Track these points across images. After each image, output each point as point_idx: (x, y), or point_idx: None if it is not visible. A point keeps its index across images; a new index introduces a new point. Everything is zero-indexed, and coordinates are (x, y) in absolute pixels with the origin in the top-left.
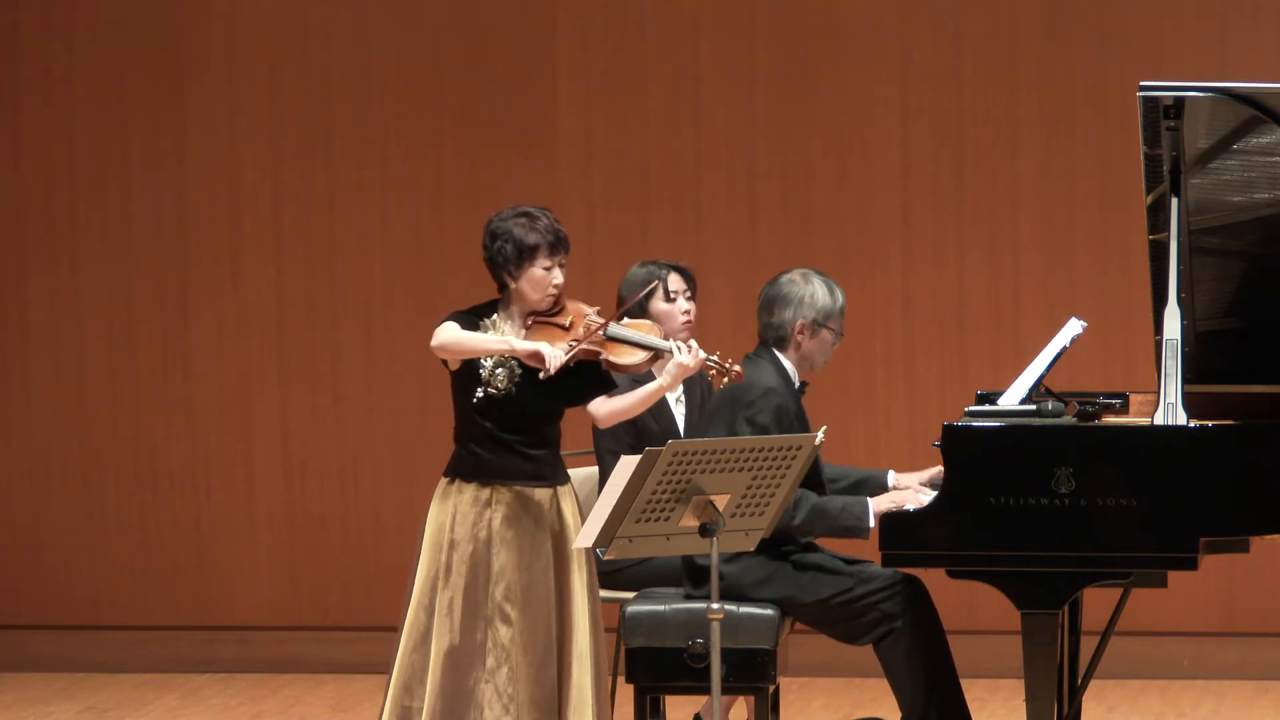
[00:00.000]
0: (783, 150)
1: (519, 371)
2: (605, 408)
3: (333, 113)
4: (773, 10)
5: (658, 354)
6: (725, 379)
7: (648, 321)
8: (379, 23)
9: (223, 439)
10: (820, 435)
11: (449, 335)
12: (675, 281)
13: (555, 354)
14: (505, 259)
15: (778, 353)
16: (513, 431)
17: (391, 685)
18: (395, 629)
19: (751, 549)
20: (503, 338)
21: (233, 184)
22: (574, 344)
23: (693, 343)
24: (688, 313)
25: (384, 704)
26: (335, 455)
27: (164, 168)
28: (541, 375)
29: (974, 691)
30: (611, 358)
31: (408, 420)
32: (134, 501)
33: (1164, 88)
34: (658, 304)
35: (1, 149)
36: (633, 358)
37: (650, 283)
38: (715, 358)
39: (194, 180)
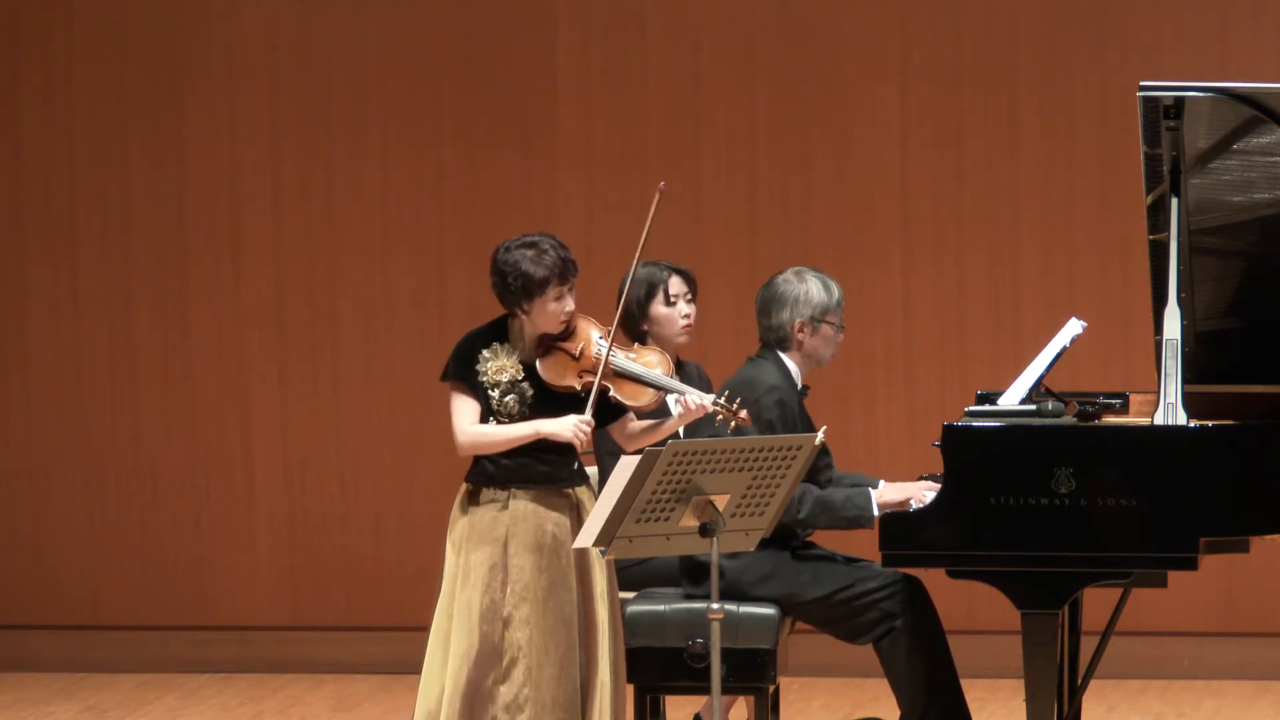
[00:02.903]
0: (783, 150)
1: (530, 394)
2: (620, 432)
3: (333, 113)
4: (773, 10)
5: (664, 391)
6: (731, 424)
7: (653, 352)
8: (379, 23)
9: (223, 439)
10: (820, 435)
11: (472, 439)
12: (676, 284)
13: (585, 436)
14: (515, 294)
15: (781, 354)
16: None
17: (419, 689)
18: (396, 629)
19: (751, 549)
20: (532, 427)
21: (233, 184)
22: (586, 378)
23: (699, 399)
24: (688, 316)
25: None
26: (335, 455)
27: (164, 168)
28: (575, 460)
29: (974, 691)
30: (620, 396)
31: (408, 420)
32: (134, 501)
33: (1164, 88)
34: (658, 307)
35: (1, 149)
36: (640, 399)
37: (652, 281)
38: (722, 401)
39: (194, 180)
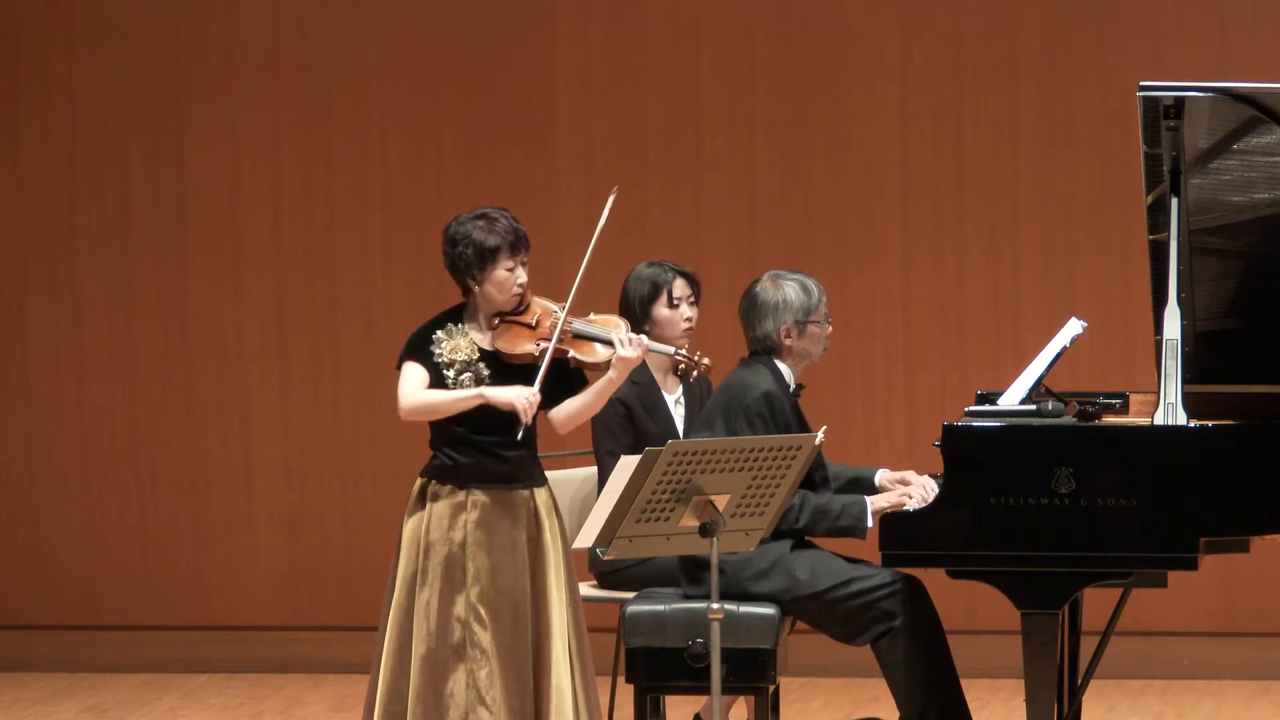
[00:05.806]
0: (783, 150)
1: (486, 376)
2: (561, 414)
3: (333, 113)
4: (773, 10)
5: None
6: (695, 372)
7: (613, 317)
8: (379, 23)
9: (223, 439)
10: (820, 435)
11: (416, 401)
12: (680, 287)
13: (528, 404)
14: (467, 264)
15: (774, 359)
16: (486, 434)
17: (379, 689)
18: None
19: (751, 549)
20: (475, 391)
21: (233, 184)
22: (543, 345)
23: (637, 337)
24: (690, 320)
25: (373, 708)
26: (335, 455)
27: (164, 168)
28: (519, 429)
29: (974, 691)
30: (579, 355)
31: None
32: (134, 501)
33: (1164, 88)
34: (660, 309)
35: (1, 149)
36: (600, 355)
37: (656, 283)
38: (684, 351)
39: (194, 180)
